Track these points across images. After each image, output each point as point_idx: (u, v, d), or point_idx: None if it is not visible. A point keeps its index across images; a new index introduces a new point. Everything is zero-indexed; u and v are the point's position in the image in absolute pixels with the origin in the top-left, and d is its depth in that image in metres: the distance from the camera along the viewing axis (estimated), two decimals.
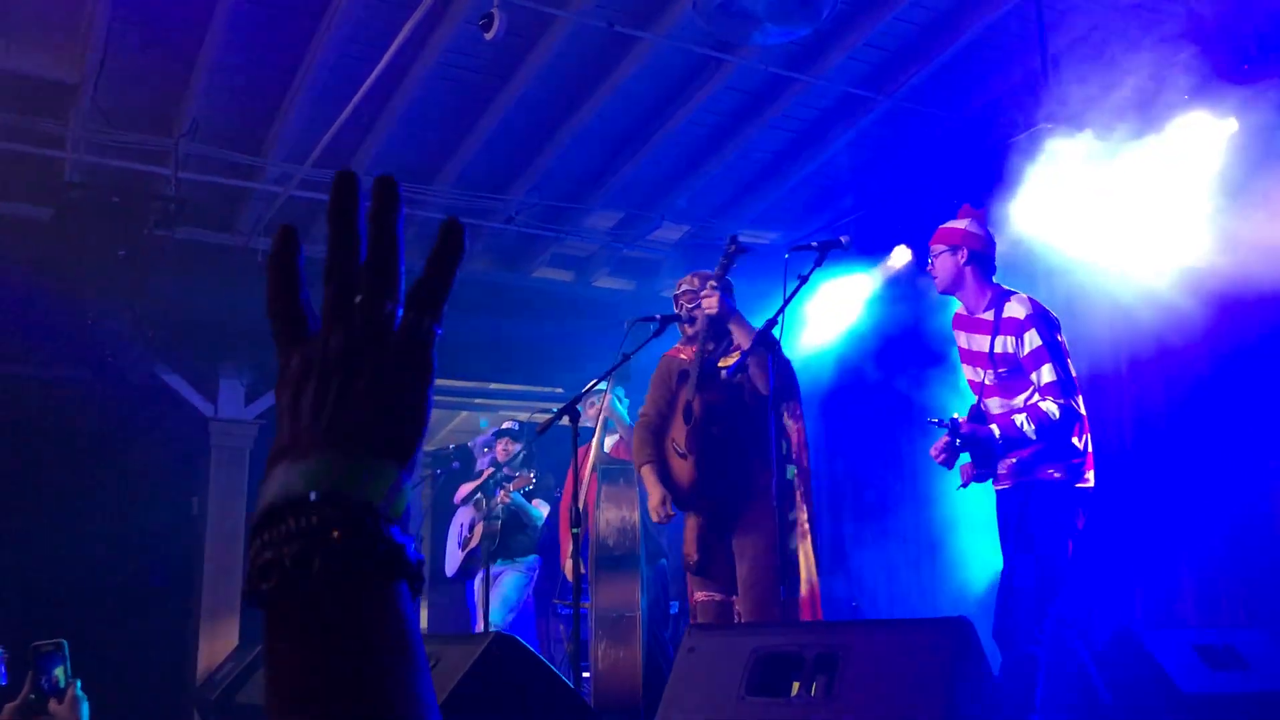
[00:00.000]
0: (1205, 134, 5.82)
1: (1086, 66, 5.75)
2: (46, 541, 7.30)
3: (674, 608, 6.59)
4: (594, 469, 5.30)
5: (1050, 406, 3.77)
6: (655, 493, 4.44)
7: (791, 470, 4.10)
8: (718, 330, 4.37)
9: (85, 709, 2.33)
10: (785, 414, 4.14)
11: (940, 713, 2.48)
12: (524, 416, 10.41)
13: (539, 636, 7.44)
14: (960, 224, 4.12)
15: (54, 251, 6.90)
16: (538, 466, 6.91)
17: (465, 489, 7.33)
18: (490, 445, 7.38)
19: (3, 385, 7.51)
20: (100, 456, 7.72)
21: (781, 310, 4.05)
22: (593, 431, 5.89)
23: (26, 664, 2.27)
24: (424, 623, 9.87)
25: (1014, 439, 3.82)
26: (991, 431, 3.86)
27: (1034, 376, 3.85)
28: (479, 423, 10.84)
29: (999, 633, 3.87)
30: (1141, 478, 5.83)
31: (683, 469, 4.36)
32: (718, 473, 4.28)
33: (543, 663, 3.69)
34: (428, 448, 9.98)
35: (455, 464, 7.25)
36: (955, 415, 3.88)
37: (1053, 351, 3.84)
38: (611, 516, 4.96)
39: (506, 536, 6.72)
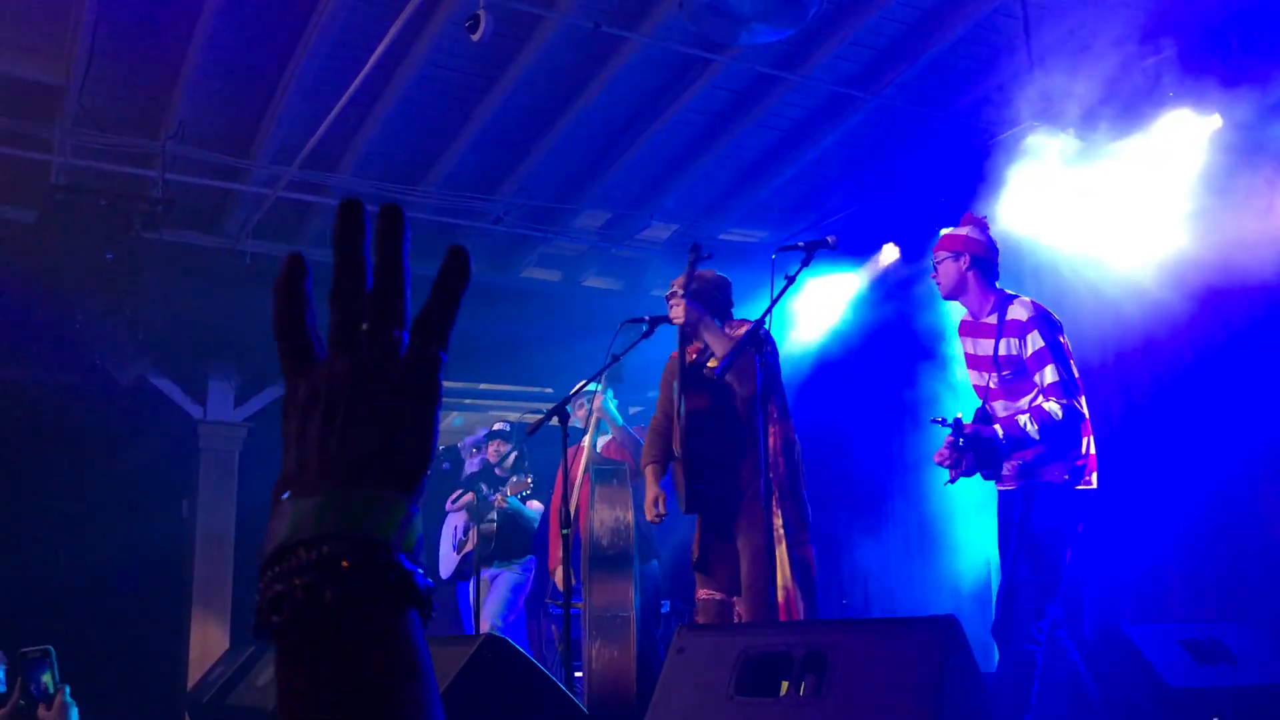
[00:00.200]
0: (1189, 130, 5.85)
1: (1072, 64, 5.77)
2: (36, 545, 7.29)
3: (665, 607, 6.60)
4: (586, 469, 5.31)
5: (1053, 407, 3.79)
6: (649, 493, 4.50)
7: None
8: (690, 337, 4.38)
9: (74, 715, 2.33)
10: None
11: (928, 711, 2.49)
12: (514, 417, 10.42)
13: (530, 637, 7.45)
14: (962, 230, 4.16)
15: (41, 254, 6.88)
16: (529, 467, 6.91)
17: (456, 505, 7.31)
18: (480, 446, 7.38)
19: None
20: (89, 460, 7.71)
21: (769, 310, 4.06)
22: (583, 432, 5.90)
23: (16, 670, 2.27)
24: None
25: (1017, 439, 3.84)
26: (995, 432, 3.88)
27: (1037, 378, 3.87)
28: (452, 421, 10.84)
29: (998, 631, 3.89)
30: (1128, 472, 5.86)
31: (677, 470, 4.41)
32: (707, 474, 4.29)
33: (534, 665, 3.69)
34: None
35: (445, 465, 7.25)
36: (958, 415, 3.89)
37: (1055, 352, 3.87)
38: (605, 516, 4.97)
39: (503, 538, 6.72)
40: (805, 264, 3.95)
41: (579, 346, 7.87)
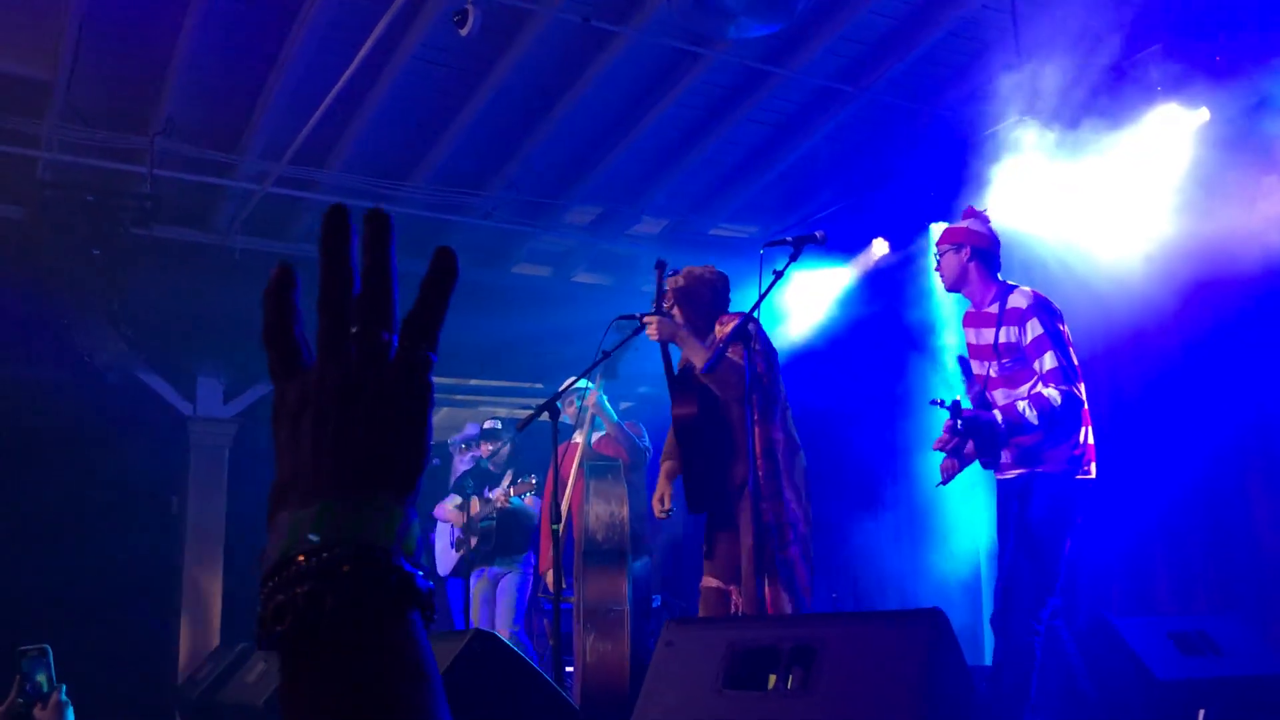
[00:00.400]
0: (1177, 125, 5.87)
1: (1060, 59, 5.78)
2: (24, 541, 7.27)
3: (655, 601, 6.61)
4: (581, 465, 5.31)
5: (1052, 393, 3.80)
6: (658, 489, 4.58)
7: None
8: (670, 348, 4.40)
9: (70, 715, 2.32)
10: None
11: (915, 704, 2.50)
12: (503, 413, 10.41)
13: (527, 631, 7.45)
14: (963, 223, 4.22)
15: (28, 251, 6.86)
16: (523, 462, 6.90)
17: (447, 507, 7.28)
18: (471, 444, 7.36)
19: None
20: (78, 456, 7.69)
21: (756, 305, 4.07)
22: (573, 429, 5.90)
23: (14, 668, 2.26)
24: None
25: (1016, 425, 3.85)
26: (994, 417, 3.90)
27: (1036, 365, 3.90)
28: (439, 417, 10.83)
29: (997, 622, 3.90)
30: (1116, 464, 5.88)
31: (678, 470, 4.47)
32: (702, 476, 4.32)
33: (524, 660, 3.70)
34: None
35: (435, 461, 7.24)
36: (957, 398, 3.91)
37: (1054, 340, 3.89)
38: (600, 511, 4.98)
39: (504, 536, 6.70)
40: (793, 259, 3.95)
41: (569, 342, 7.88)
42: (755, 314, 4.14)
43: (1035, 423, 3.83)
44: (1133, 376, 6.07)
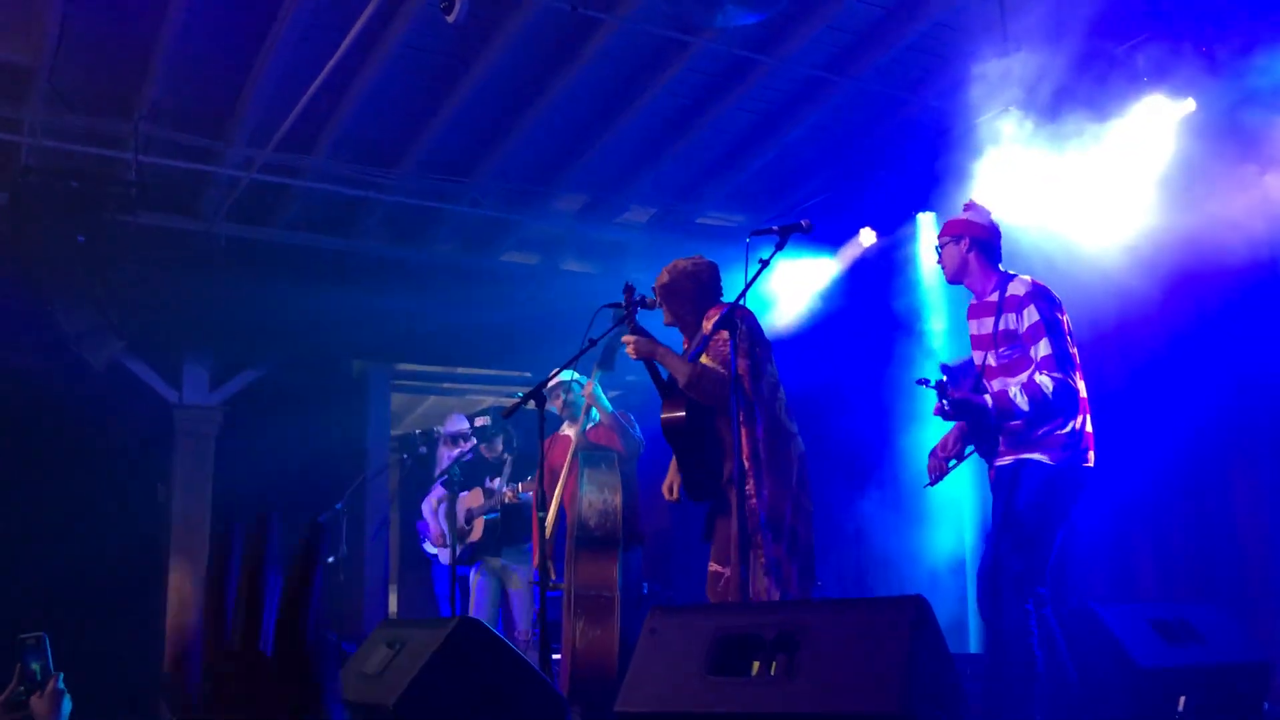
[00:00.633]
0: (1164, 115, 5.89)
1: (1048, 49, 5.79)
2: (9, 530, 7.23)
3: (644, 589, 6.63)
4: (575, 454, 5.32)
5: (1044, 380, 3.81)
6: (668, 477, 4.66)
7: None
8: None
9: (67, 704, 2.31)
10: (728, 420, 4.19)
11: (898, 690, 2.52)
12: (489, 401, 10.39)
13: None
14: (963, 215, 4.22)
15: (11, 238, 6.82)
16: (517, 447, 6.87)
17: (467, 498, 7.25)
18: (459, 439, 7.34)
19: None
20: (64, 444, 7.65)
21: (742, 294, 4.07)
22: (560, 420, 5.90)
23: (13, 656, 2.26)
24: (392, 607, 9.88)
25: (1006, 410, 3.86)
26: (984, 400, 3.90)
27: (1031, 351, 3.90)
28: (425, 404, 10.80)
29: (987, 610, 3.91)
30: (1100, 455, 5.91)
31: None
32: (694, 469, 4.38)
33: (509, 648, 3.70)
34: (394, 432, 9.97)
35: (422, 449, 7.23)
36: (942, 377, 3.92)
37: (1050, 327, 3.89)
38: (594, 499, 5.01)
39: (508, 527, 6.68)
40: (779, 248, 3.95)
41: (557, 330, 7.87)
42: (741, 302, 4.14)
43: (1025, 409, 3.83)
44: (1116, 367, 6.10)
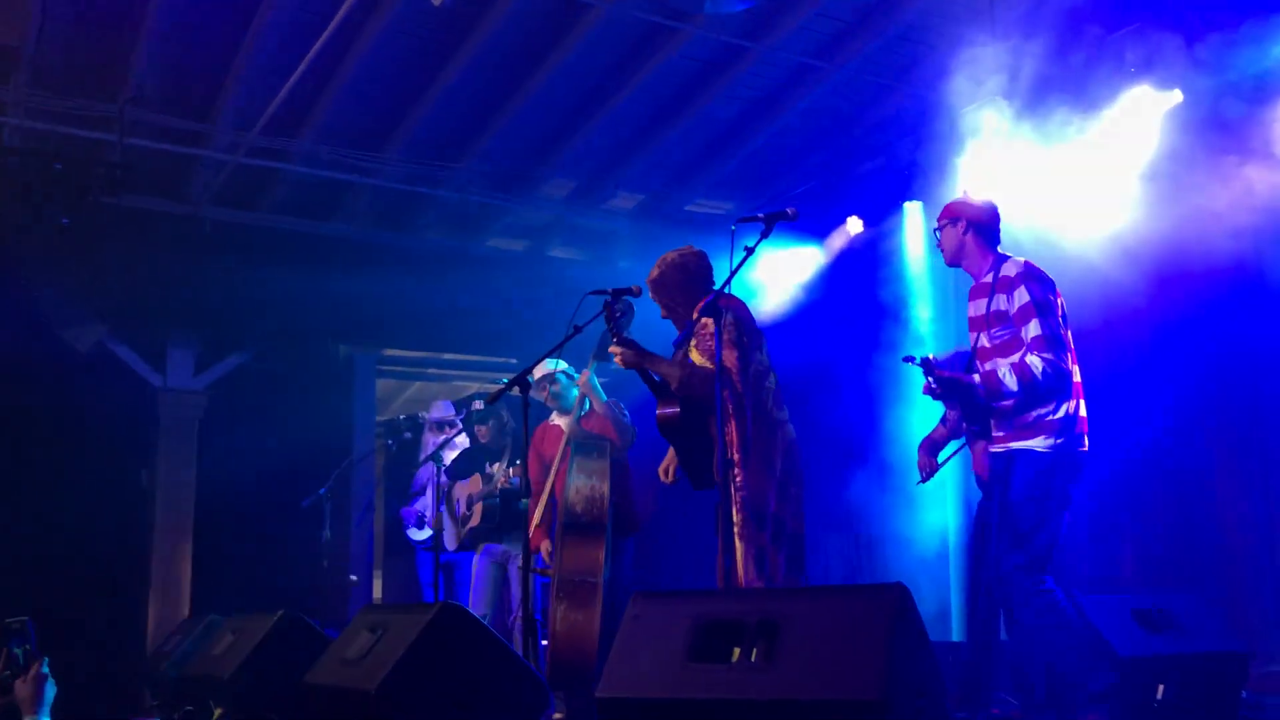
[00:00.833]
0: (1150, 106, 5.90)
1: (1037, 39, 5.79)
2: None
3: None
4: (568, 442, 5.33)
5: (1035, 361, 3.79)
6: (664, 461, 4.71)
7: None
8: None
9: (50, 689, 2.30)
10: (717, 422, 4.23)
11: (878, 678, 2.52)
12: (475, 387, 10.37)
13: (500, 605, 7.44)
14: (961, 198, 4.22)
15: None
16: (512, 430, 6.85)
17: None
18: (446, 425, 7.33)
19: None
20: (46, 428, 7.61)
21: (727, 282, 4.07)
22: (548, 410, 5.89)
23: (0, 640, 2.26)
24: (376, 592, 9.87)
25: (994, 390, 3.84)
26: (972, 379, 3.90)
27: (1022, 333, 3.89)
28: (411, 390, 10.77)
29: (984, 608, 3.89)
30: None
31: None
32: (691, 462, 4.42)
33: (492, 634, 3.70)
34: (380, 418, 9.95)
35: (407, 434, 7.22)
36: (929, 354, 3.91)
37: (1040, 308, 3.87)
38: (581, 485, 5.02)
39: (509, 511, 6.65)
40: (764, 235, 3.94)
41: (544, 317, 7.86)
42: (727, 290, 4.15)
43: (1014, 389, 3.81)
44: (1098, 356, 6.11)
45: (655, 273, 4.58)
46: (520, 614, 6.31)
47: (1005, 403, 3.91)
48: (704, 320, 4.17)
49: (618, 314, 4.47)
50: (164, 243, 7.68)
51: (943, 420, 5.69)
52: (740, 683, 2.69)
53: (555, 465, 5.30)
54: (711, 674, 2.74)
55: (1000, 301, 3.99)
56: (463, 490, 6.76)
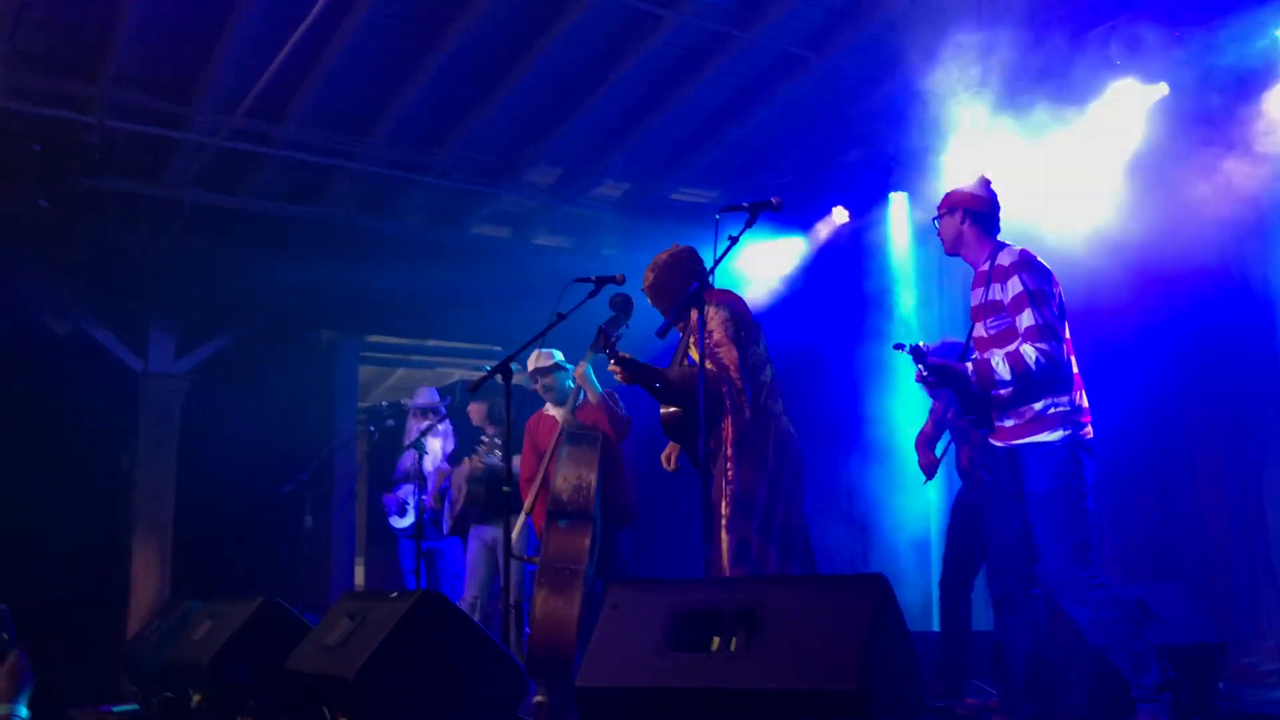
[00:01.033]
0: (1135, 98, 5.91)
1: (1023, 31, 5.79)
2: None
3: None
4: (562, 432, 5.33)
5: (1028, 350, 3.74)
6: (665, 450, 4.76)
7: None
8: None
9: (28, 680, 2.28)
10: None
11: (856, 667, 2.53)
12: (459, 375, 10.34)
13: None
14: (958, 187, 4.17)
15: None
16: (502, 417, 6.81)
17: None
18: (428, 411, 7.29)
19: None
20: (25, 413, 7.55)
21: (711, 270, 4.06)
22: (541, 400, 5.89)
23: None
24: (359, 579, 9.86)
25: (986, 378, 3.81)
26: (964, 367, 3.87)
27: (1016, 322, 3.85)
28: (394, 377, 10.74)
29: (1023, 604, 3.83)
30: None
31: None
32: (696, 453, 4.43)
33: (471, 622, 3.70)
34: (363, 404, 9.92)
35: (389, 421, 7.19)
36: (920, 342, 3.89)
37: (1034, 298, 3.82)
38: (569, 473, 5.03)
39: (491, 495, 6.62)
40: (749, 225, 3.93)
41: (528, 304, 7.83)
42: (711, 280, 4.15)
43: (1006, 378, 3.77)
44: (1080, 349, 6.14)
45: (650, 278, 4.61)
46: (511, 599, 6.32)
47: (1000, 392, 3.86)
48: (707, 318, 4.24)
49: (614, 338, 4.52)
50: (145, 226, 7.62)
51: (930, 413, 5.71)
52: (719, 672, 2.69)
53: (549, 455, 5.32)
54: (690, 663, 2.74)
55: (995, 291, 3.95)
56: (459, 476, 6.75)
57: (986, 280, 3.99)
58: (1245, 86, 5.60)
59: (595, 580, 5.02)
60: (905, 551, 7.69)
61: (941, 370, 3.89)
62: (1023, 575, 3.91)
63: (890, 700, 2.63)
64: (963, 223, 4.10)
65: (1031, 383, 3.79)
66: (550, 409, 5.82)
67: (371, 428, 8.00)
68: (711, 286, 4.53)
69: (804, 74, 6.89)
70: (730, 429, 4.23)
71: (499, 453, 6.41)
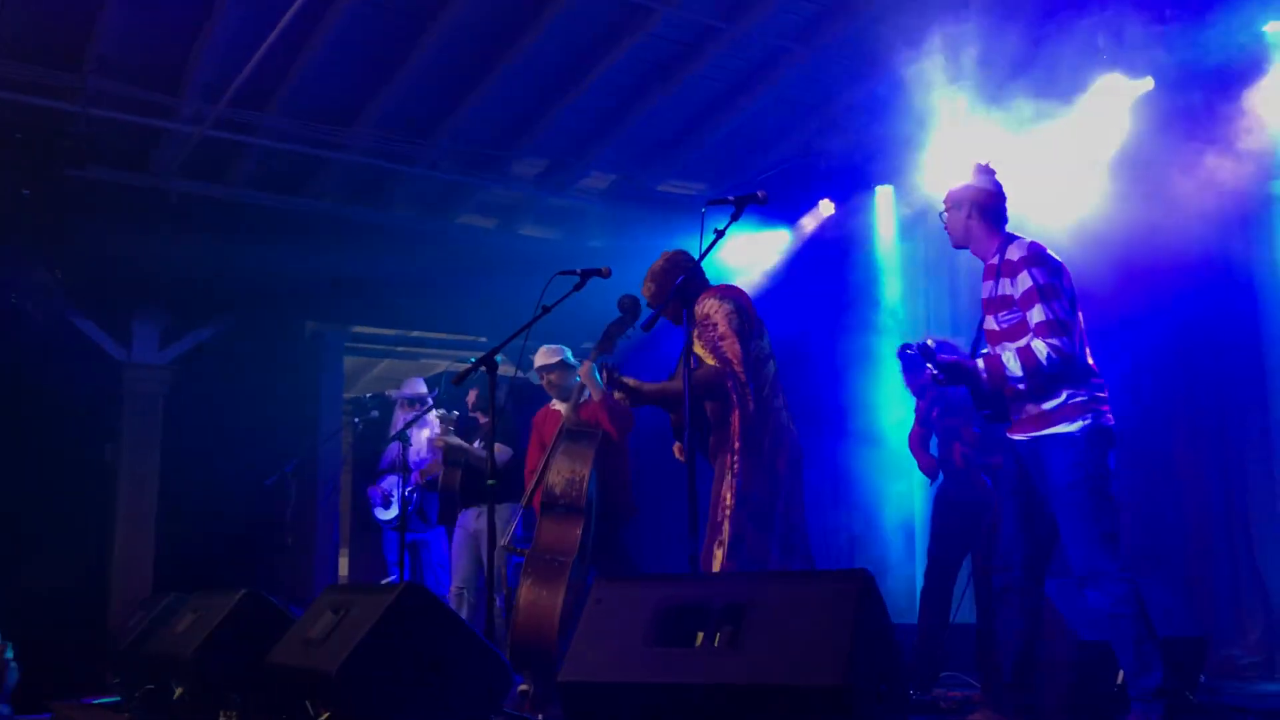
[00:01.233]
0: (1120, 93, 5.92)
1: (1011, 24, 5.79)
2: None
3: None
4: (562, 428, 5.35)
5: (1039, 346, 3.71)
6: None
7: None
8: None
9: (13, 674, 2.27)
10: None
11: (841, 663, 2.53)
12: (443, 366, 10.30)
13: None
14: (963, 180, 4.11)
15: None
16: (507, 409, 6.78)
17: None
18: (415, 401, 7.27)
19: None
20: (7, 403, 7.50)
21: (697, 264, 4.05)
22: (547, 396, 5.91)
23: None
24: (343, 571, 9.84)
25: (997, 374, 3.78)
26: (975, 364, 3.84)
27: (1028, 317, 3.82)
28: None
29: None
30: None
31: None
32: (707, 447, 4.53)
33: (455, 616, 3.69)
34: (348, 395, 9.88)
35: (374, 412, 7.17)
36: (928, 341, 3.87)
37: (1044, 293, 3.77)
38: (563, 467, 5.06)
39: (473, 482, 6.58)
40: (735, 218, 3.92)
41: (514, 296, 7.81)
42: (699, 272, 4.16)
43: (1018, 374, 3.74)
44: None
45: (651, 289, 4.66)
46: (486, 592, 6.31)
47: (1016, 388, 3.83)
48: (704, 313, 4.30)
49: (616, 369, 4.63)
50: (128, 215, 7.57)
51: (916, 413, 5.72)
52: (703, 667, 2.69)
53: (551, 444, 5.35)
54: (675, 658, 2.74)
55: (1005, 286, 3.90)
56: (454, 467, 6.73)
57: (996, 274, 3.94)
58: (1230, 82, 5.62)
59: (590, 573, 5.03)
60: (893, 538, 7.73)
61: (953, 368, 3.85)
62: (1031, 567, 3.89)
63: (874, 695, 2.63)
64: (970, 217, 4.03)
65: (1044, 378, 3.76)
66: (557, 404, 5.84)
67: (356, 419, 7.98)
68: (709, 282, 4.56)
69: (790, 67, 6.89)
70: (737, 423, 4.30)
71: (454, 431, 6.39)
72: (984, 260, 4.06)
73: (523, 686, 4.81)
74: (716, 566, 4.24)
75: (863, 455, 7.54)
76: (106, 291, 7.80)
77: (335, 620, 3.59)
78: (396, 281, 8.40)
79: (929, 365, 3.83)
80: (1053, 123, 6.00)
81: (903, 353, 5.61)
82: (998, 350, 3.90)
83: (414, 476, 7.03)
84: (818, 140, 7.75)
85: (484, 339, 8.88)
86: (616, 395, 4.55)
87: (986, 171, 4.14)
